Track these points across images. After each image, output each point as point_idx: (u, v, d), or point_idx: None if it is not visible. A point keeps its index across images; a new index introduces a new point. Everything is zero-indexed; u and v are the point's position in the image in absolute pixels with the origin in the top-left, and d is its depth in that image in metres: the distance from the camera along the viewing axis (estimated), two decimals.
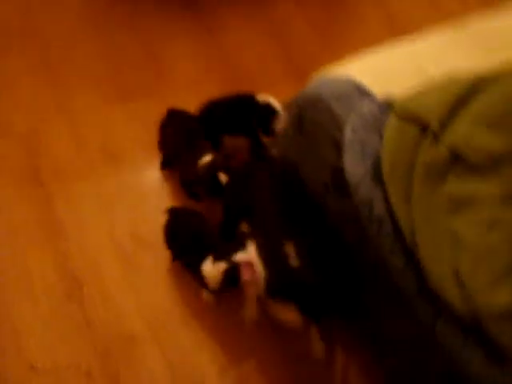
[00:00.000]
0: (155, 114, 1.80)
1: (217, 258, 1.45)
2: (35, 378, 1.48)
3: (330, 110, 1.29)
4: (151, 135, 1.81)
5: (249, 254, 1.37)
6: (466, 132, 1.04)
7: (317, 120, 1.35)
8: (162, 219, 1.59)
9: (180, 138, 1.70)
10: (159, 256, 1.64)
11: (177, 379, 1.49)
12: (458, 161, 1.03)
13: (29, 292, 1.59)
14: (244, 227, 1.52)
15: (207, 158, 1.61)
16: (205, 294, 1.56)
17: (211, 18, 2.16)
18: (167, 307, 1.60)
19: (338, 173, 1.27)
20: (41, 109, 1.91)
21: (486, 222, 0.99)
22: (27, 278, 1.61)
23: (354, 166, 1.18)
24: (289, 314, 1.39)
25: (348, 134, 1.21)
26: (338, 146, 1.25)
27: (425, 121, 1.08)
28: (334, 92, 1.31)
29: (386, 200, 1.11)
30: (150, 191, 1.81)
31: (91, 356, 1.51)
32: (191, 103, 1.81)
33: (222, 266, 1.42)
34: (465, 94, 1.08)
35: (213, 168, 1.59)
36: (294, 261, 1.35)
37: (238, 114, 1.74)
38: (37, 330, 1.54)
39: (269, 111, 1.66)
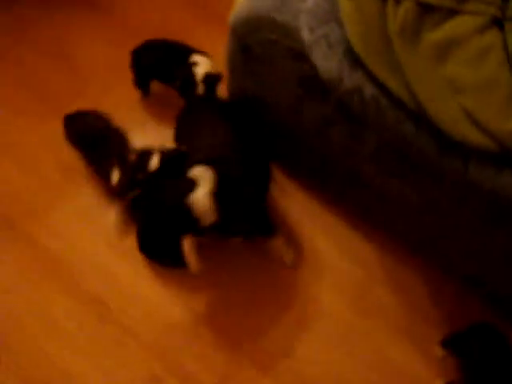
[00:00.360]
0: None
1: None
2: None
3: (275, 23, 1.25)
4: None
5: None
6: None
7: (265, 39, 1.30)
8: None
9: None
10: None
11: None
12: (427, 12, 1.03)
13: (59, 330, 1.54)
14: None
15: (115, 178, 1.52)
16: None
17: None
18: None
19: (308, 80, 1.26)
20: None
21: (476, 55, 1.00)
22: (51, 317, 1.57)
23: (327, 62, 1.16)
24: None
25: (306, 35, 1.17)
26: (298, 55, 1.23)
27: None
28: (270, 4, 1.26)
29: (373, 80, 1.10)
30: None
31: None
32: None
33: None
34: None
35: (124, 186, 1.50)
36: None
37: (167, 64, 1.71)
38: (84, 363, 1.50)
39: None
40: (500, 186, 1.05)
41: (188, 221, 1.28)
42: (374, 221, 1.61)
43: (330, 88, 1.18)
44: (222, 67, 1.58)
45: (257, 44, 1.34)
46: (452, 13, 1.03)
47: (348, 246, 1.65)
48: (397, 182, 1.32)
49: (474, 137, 1.02)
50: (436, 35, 1.04)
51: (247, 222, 1.42)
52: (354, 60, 1.12)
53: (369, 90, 1.13)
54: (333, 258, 1.63)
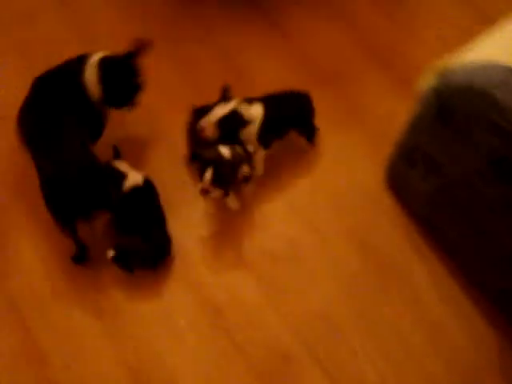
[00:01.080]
0: None
1: None
2: None
3: (488, 96, 1.25)
4: None
5: None
6: None
7: (471, 108, 1.31)
8: None
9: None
10: None
11: None
12: None
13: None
14: None
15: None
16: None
17: (285, 22, 2.15)
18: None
19: (501, 161, 1.26)
20: None
21: None
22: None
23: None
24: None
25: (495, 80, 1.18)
26: (499, 132, 1.23)
27: None
28: (491, 79, 1.26)
29: None
30: None
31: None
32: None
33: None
34: None
35: None
36: None
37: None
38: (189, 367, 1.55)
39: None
40: None
41: None
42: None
43: None
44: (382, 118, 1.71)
45: (460, 110, 1.34)
46: None
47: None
48: None
49: None
50: None
51: None
52: None
53: None
54: None
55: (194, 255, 1.70)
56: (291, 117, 1.75)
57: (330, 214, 1.76)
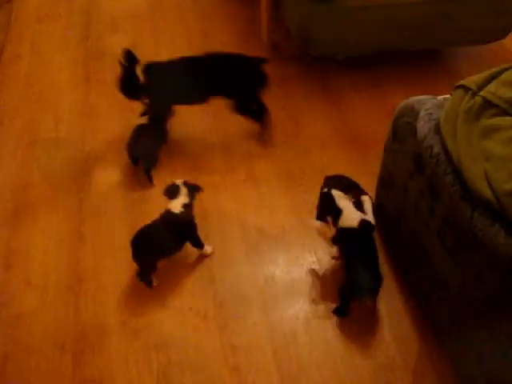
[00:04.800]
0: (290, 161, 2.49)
1: None
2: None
3: (413, 110, 1.74)
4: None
5: None
6: (494, 89, 1.49)
7: (403, 122, 1.80)
8: None
9: None
10: None
11: None
12: (487, 106, 1.47)
13: None
14: None
15: None
16: None
17: (339, 97, 2.84)
18: None
19: (417, 155, 1.67)
20: None
21: (506, 140, 1.39)
22: None
23: (422, 127, 1.61)
24: None
25: (422, 112, 1.65)
26: (414, 132, 1.67)
27: (468, 87, 1.54)
28: (419, 100, 1.77)
29: (442, 143, 1.52)
30: None
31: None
32: (318, 156, 2.48)
33: None
34: (498, 71, 1.56)
35: None
36: None
37: None
38: None
39: None
40: None
41: None
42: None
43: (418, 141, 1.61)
44: None
45: (400, 126, 1.85)
46: (503, 112, 1.45)
47: None
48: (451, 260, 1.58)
49: (485, 193, 1.35)
50: (488, 122, 1.45)
51: None
52: (437, 129, 1.57)
53: (436, 149, 1.56)
54: None
55: None
56: None
57: None
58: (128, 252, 1.98)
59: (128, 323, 1.91)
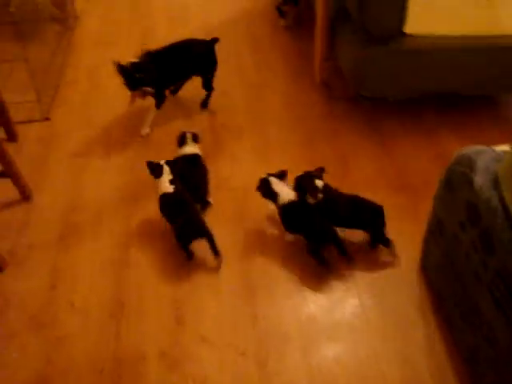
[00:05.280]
0: None
1: None
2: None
3: (469, 161, 1.72)
4: None
5: None
6: None
7: (458, 171, 1.78)
8: None
9: None
10: None
11: None
12: None
13: None
14: None
15: None
16: None
17: (388, 139, 2.86)
18: None
19: (472, 207, 1.66)
20: None
21: None
22: None
23: (479, 179, 1.62)
24: None
25: (479, 164, 1.66)
26: (470, 182, 1.66)
27: None
28: (476, 150, 1.76)
29: (500, 198, 1.52)
30: None
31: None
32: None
33: None
34: None
35: None
36: None
37: None
38: None
39: None
40: None
41: None
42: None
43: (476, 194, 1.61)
44: None
45: (455, 174, 1.84)
46: None
47: None
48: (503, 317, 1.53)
49: None
50: None
51: None
52: (494, 183, 1.59)
53: (494, 202, 1.55)
54: None
55: None
56: None
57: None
58: (172, 282, 2.00)
59: (167, 354, 1.91)
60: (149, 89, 2.80)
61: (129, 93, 2.86)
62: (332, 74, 3.08)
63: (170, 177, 2.27)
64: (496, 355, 1.60)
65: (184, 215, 2.18)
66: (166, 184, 2.25)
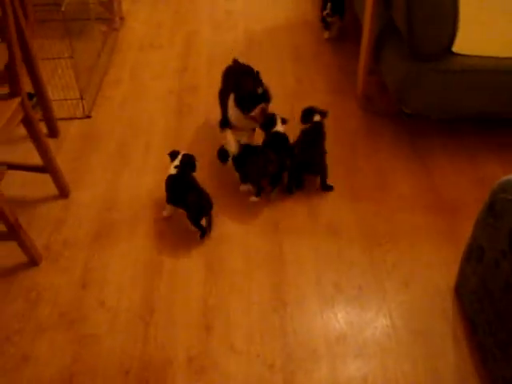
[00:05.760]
0: (373, 216, 2.47)
1: None
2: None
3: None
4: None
5: None
6: None
7: (503, 197, 1.74)
8: None
9: None
10: None
11: None
12: None
13: None
14: None
15: None
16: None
17: (428, 158, 2.80)
18: None
19: None
20: None
21: None
22: None
23: None
24: None
25: None
26: None
27: None
28: None
29: None
30: None
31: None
32: (402, 216, 2.46)
33: None
34: None
35: None
36: None
37: None
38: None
39: None
40: None
41: None
42: None
43: None
44: None
45: (499, 201, 1.78)
46: None
47: None
48: None
49: None
50: None
51: None
52: None
53: None
54: None
55: None
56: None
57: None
58: (203, 288, 2.05)
59: (194, 360, 1.90)
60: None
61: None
62: (375, 89, 3.04)
63: (177, 163, 2.42)
64: None
65: (192, 194, 2.32)
66: (171, 168, 2.41)
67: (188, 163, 2.44)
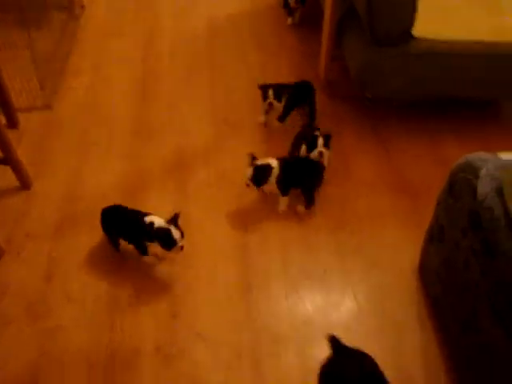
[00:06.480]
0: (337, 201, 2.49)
1: None
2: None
3: (473, 168, 1.70)
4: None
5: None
6: None
7: (462, 178, 1.75)
8: None
9: None
10: None
11: None
12: None
13: None
14: None
15: None
16: None
17: (390, 142, 2.83)
18: None
19: (474, 214, 1.63)
20: None
21: None
22: None
23: (483, 187, 1.60)
24: None
25: (483, 171, 1.63)
26: (473, 190, 1.64)
27: None
28: (481, 157, 1.73)
29: (504, 207, 1.50)
30: None
31: None
32: (366, 200, 2.48)
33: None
34: None
35: None
36: None
37: None
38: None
39: None
40: None
41: None
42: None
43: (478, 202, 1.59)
44: None
45: (458, 182, 1.80)
46: None
47: None
48: (501, 327, 1.51)
49: None
50: None
51: None
52: (498, 192, 1.56)
53: (498, 211, 1.52)
54: None
55: None
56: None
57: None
58: (169, 276, 2.03)
59: (162, 349, 1.90)
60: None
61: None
62: (337, 74, 3.06)
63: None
64: (491, 365, 1.58)
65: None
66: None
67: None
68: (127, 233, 2.15)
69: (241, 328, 1.95)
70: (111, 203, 2.29)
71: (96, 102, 3.05)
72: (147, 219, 2.08)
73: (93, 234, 2.31)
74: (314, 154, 2.36)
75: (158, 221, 2.07)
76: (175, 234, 2.02)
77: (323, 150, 2.37)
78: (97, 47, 3.52)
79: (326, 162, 2.40)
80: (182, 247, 2.06)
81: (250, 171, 2.24)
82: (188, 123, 2.86)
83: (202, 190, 2.51)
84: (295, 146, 2.47)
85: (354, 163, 2.64)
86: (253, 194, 2.38)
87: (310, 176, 2.38)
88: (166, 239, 2.02)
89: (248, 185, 2.29)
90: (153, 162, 2.65)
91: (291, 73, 3.24)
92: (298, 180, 2.37)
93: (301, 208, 2.41)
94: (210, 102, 3.05)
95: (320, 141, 2.37)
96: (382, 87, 2.65)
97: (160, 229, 2.04)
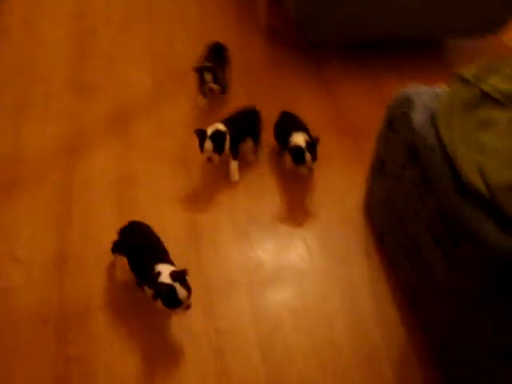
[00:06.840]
0: None
1: None
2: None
3: (409, 100, 1.72)
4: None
5: None
6: (492, 81, 1.52)
7: (398, 111, 1.77)
8: None
9: None
10: None
11: None
12: (485, 99, 1.49)
13: None
14: None
15: None
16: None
17: (332, 85, 2.84)
18: None
19: (411, 146, 1.66)
20: None
21: (502, 133, 1.41)
22: None
23: (418, 118, 1.63)
24: None
25: (418, 103, 1.66)
26: (409, 121, 1.67)
27: (466, 78, 1.56)
28: (416, 90, 1.75)
29: (437, 135, 1.52)
30: None
31: None
32: None
33: None
34: (496, 63, 1.58)
35: None
36: None
37: None
38: None
39: None
40: None
41: None
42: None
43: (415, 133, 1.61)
44: None
45: (396, 117, 1.83)
46: (501, 105, 1.46)
47: None
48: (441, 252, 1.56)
49: (478, 185, 1.35)
50: (485, 113, 1.47)
51: None
52: (433, 121, 1.59)
53: (431, 141, 1.55)
54: None
55: None
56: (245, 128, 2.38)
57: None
58: (114, 232, 1.94)
59: (113, 304, 1.90)
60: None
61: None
62: (277, 19, 3.02)
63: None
64: (434, 292, 1.63)
65: None
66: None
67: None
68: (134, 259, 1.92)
69: (192, 276, 1.93)
70: (53, 165, 2.23)
71: (29, 62, 2.95)
72: (157, 268, 1.78)
73: (37, 195, 2.28)
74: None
75: (166, 272, 1.75)
76: (180, 292, 1.71)
77: None
78: (26, 4, 3.37)
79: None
80: (188, 306, 1.76)
81: (209, 143, 2.19)
82: (128, 77, 2.81)
83: (146, 143, 2.45)
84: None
85: (298, 107, 2.63)
86: (196, 144, 2.35)
87: (252, 124, 2.37)
88: (169, 297, 1.72)
89: (210, 158, 2.23)
90: (94, 118, 2.59)
91: (231, 23, 3.23)
92: (244, 132, 2.35)
93: (251, 156, 2.38)
94: (149, 54, 2.96)
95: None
96: (320, 29, 2.65)
97: (163, 284, 1.72)
